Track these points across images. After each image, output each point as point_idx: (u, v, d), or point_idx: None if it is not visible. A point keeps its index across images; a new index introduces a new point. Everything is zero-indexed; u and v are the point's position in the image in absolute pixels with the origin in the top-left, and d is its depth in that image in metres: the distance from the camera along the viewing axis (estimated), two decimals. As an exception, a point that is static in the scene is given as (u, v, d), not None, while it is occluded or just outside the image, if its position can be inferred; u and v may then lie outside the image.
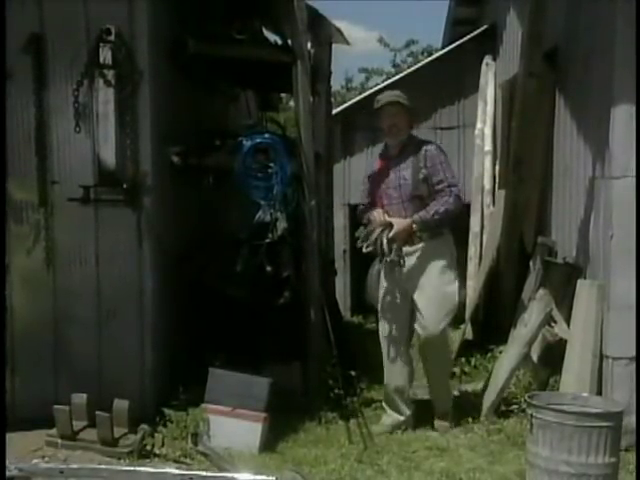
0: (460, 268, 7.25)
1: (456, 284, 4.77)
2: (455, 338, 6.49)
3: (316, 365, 5.14)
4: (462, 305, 7.15)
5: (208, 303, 5.29)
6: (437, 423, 4.86)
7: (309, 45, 5.51)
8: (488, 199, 7.26)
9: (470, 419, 4.92)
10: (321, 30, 5.84)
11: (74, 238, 4.69)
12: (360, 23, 37.59)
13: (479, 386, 5.40)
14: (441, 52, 9.17)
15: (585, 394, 4.24)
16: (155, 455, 4.29)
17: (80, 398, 4.44)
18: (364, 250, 4.66)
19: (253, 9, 5.54)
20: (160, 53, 4.89)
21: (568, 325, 4.94)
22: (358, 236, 4.83)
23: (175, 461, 4.24)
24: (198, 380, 4.62)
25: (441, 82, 8.36)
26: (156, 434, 4.43)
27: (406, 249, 4.65)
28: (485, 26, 8.34)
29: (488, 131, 7.44)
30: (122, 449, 4.27)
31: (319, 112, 5.66)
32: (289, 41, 5.36)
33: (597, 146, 4.81)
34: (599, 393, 4.52)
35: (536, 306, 5.11)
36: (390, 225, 4.62)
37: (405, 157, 4.74)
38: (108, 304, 4.70)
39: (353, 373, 5.35)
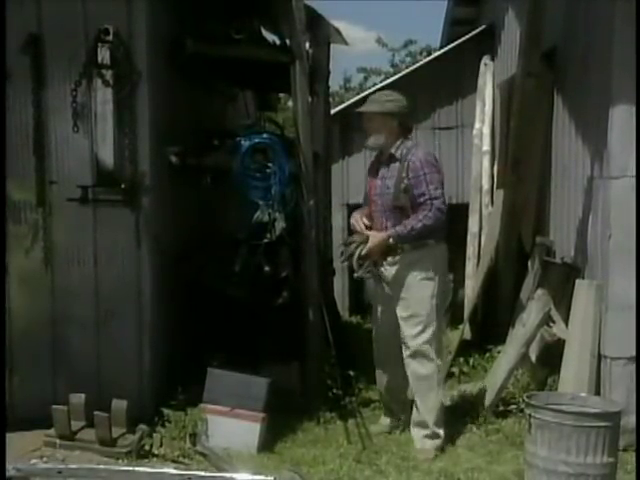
0: (457, 270, 7.32)
1: (434, 299, 4.50)
2: (453, 338, 6.50)
3: (315, 365, 5.14)
4: (460, 305, 7.18)
5: (207, 303, 5.29)
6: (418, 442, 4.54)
7: (307, 45, 5.50)
8: (486, 199, 7.25)
9: (468, 419, 4.91)
10: (319, 30, 5.84)
11: (72, 238, 4.69)
12: (359, 23, 37.59)
13: (477, 386, 5.40)
14: (439, 52, 9.17)
15: (583, 394, 4.25)
16: (153, 455, 4.29)
17: (78, 398, 4.44)
18: (340, 263, 4.62)
19: (251, 9, 5.53)
20: (158, 53, 4.89)
21: (566, 325, 4.94)
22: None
23: (174, 461, 4.24)
24: (197, 380, 4.62)
25: (439, 82, 8.35)
26: (154, 434, 4.43)
27: (389, 259, 4.55)
28: (483, 26, 8.33)
29: (486, 131, 7.44)
30: (120, 449, 4.27)
31: (317, 112, 5.65)
32: (287, 41, 5.36)
33: (595, 146, 4.81)
34: (597, 393, 4.52)
35: (534, 306, 5.11)
36: (366, 240, 4.51)
37: (392, 165, 4.57)
38: (106, 304, 4.69)
39: (352, 373, 5.35)
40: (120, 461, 4.19)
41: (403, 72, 9.32)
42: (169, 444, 4.39)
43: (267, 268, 5.30)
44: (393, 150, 4.57)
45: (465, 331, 6.51)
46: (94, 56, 4.52)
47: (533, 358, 5.21)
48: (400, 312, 4.56)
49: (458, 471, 4.16)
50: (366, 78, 17.13)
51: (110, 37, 4.49)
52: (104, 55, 4.50)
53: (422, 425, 4.54)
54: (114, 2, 4.57)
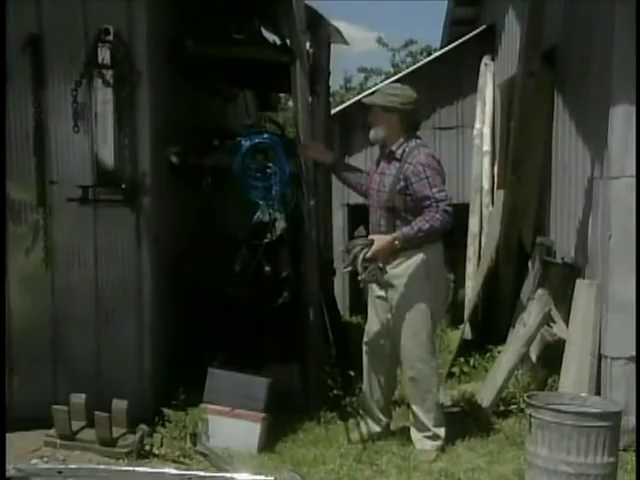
0: (458, 270, 7.33)
1: (429, 301, 4.43)
2: (454, 338, 6.50)
3: (315, 365, 5.13)
4: (461, 305, 7.19)
5: (207, 303, 5.29)
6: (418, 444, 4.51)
7: (308, 45, 5.49)
8: (487, 199, 7.26)
9: (469, 419, 4.91)
10: (320, 30, 5.84)
11: (73, 238, 4.69)
12: (359, 23, 37.65)
13: (478, 386, 5.40)
14: (440, 52, 9.19)
15: (584, 394, 4.24)
16: (154, 455, 4.29)
17: (79, 398, 4.44)
18: (343, 269, 4.52)
19: (252, 9, 5.54)
20: (159, 53, 4.89)
21: (567, 325, 4.94)
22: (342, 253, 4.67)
23: (174, 461, 4.24)
24: (197, 380, 4.62)
25: (440, 82, 8.37)
26: (155, 434, 4.43)
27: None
28: (484, 26, 8.34)
29: (487, 131, 7.45)
30: (121, 449, 4.27)
31: (318, 112, 5.66)
32: (288, 41, 5.36)
33: (596, 146, 4.81)
34: (597, 393, 4.52)
35: (535, 306, 5.11)
36: (371, 243, 4.38)
37: (392, 162, 4.49)
38: (107, 304, 4.70)
39: (352, 373, 5.34)
40: (120, 461, 4.19)
41: (403, 72, 9.32)
42: (169, 444, 4.38)
43: (267, 268, 5.30)
44: (394, 147, 4.49)
45: (465, 331, 6.51)
46: (94, 56, 4.52)
47: (533, 358, 5.21)
48: (395, 313, 4.50)
49: (458, 471, 4.16)
50: (367, 78, 17.21)
51: (110, 37, 4.49)
52: (104, 55, 4.51)
53: (421, 426, 4.52)
54: (114, 2, 4.58)
